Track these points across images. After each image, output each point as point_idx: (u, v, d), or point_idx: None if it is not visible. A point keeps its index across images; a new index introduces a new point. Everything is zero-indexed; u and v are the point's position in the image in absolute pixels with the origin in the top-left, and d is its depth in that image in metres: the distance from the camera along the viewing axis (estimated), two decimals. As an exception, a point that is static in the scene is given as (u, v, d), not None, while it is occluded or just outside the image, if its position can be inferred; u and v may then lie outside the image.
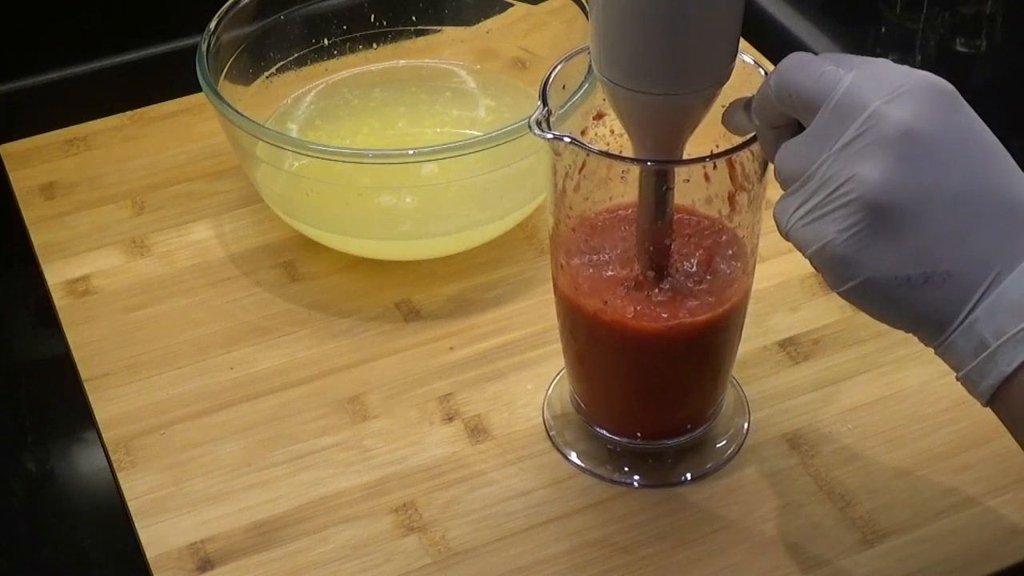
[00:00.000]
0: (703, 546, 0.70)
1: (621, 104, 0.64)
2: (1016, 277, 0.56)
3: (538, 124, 0.65)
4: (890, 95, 0.57)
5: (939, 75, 0.58)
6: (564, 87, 0.70)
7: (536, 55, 0.93)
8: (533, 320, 0.82)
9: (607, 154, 0.67)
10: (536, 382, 0.79)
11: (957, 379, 0.59)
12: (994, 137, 0.58)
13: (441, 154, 0.78)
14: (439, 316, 0.83)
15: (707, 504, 0.72)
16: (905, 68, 0.58)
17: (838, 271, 0.58)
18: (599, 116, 0.71)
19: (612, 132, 0.71)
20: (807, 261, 0.60)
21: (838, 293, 0.59)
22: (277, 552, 0.70)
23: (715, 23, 0.61)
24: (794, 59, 0.60)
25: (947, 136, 0.57)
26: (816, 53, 0.60)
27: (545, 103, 0.66)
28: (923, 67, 0.59)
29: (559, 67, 0.69)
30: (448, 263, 0.86)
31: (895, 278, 0.57)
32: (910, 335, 0.60)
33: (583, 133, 0.72)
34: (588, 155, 0.66)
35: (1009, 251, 0.56)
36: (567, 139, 0.64)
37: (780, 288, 0.84)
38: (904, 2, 1.06)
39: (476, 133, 0.85)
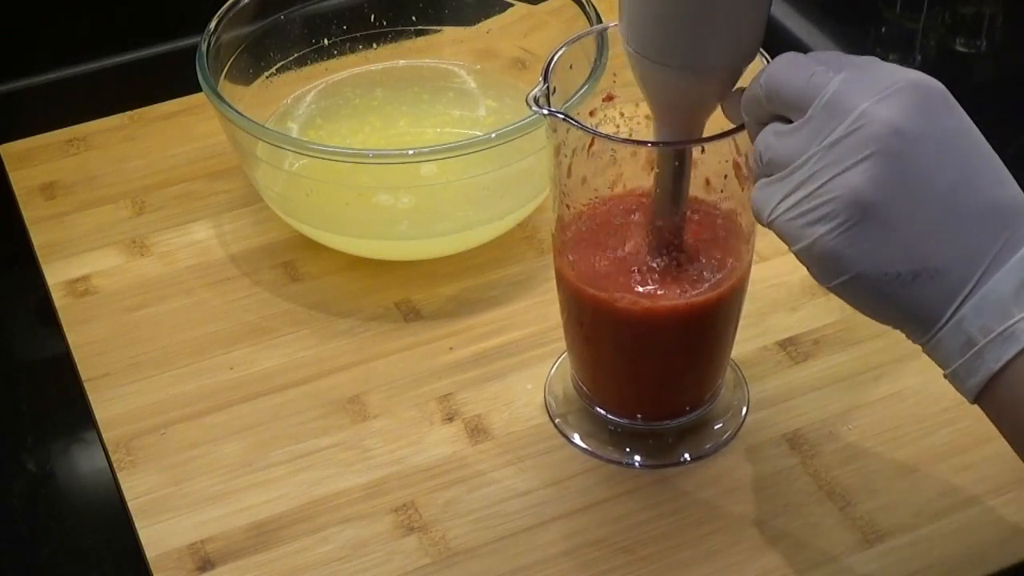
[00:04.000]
0: (703, 546, 0.70)
1: (646, 77, 0.64)
2: (1003, 275, 0.57)
3: (536, 100, 0.65)
4: (879, 95, 0.57)
5: (939, 75, 0.59)
6: (571, 67, 0.70)
7: (536, 55, 0.93)
8: (533, 320, 0.82)
9: (598, 133, 0.67)
10: (536, 382, 0.79)
11: (945, 376, 0.59)
12: (982, 137, 0.58)
13: (441, 154, 0.78)
14: (439, 316, 0.83)
15: (707, 504, 0.72)
16: (895, 67, 0.58)
17: (828, 267, 0.59)
18: (609, 98, 0.72)
19: (622, 115, 0.72)
20: (761, 223, 0.60)
21: (826, 288, 0.59)
22: (277, 552, 0.71)
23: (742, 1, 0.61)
24: (783, 60, 0.60)
25: (936, 135, 0.57)
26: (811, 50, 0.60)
27: (546, 80, 0.66)
28: (923, 67, 0.59)
29: (564, 48, 0.69)
30: (448, 263, 0.86)
31: (885, 275, 0.57)
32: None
33: (591, 114, 0.72)
34: (588, 137, 0.66)
35: (996, 249, 0.57)
36: (560, 116, 0.65)
37: (780, 288, 0.84)
38: (904, 2, 1.06)
39: (477, 133, 0.85)
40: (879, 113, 0.56)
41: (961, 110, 0.58)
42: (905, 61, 1.00)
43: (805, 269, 0.60)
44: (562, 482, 0.73)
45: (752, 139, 0.63)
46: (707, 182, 0.69)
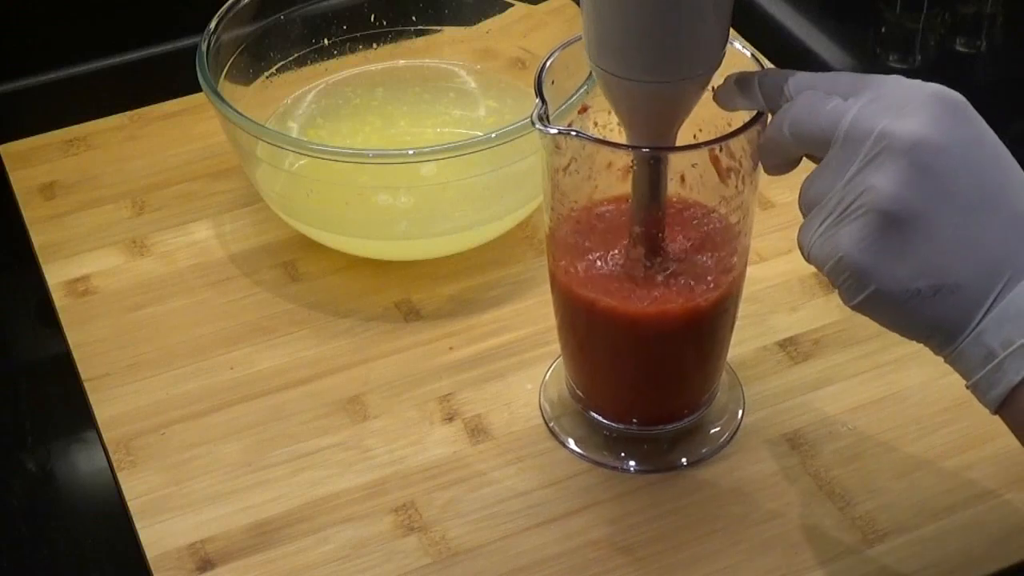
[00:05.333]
0: (703, 546, 0.70)
1: (614, 92, 0.64)
2: (1023, 287, 0.56)
3: (540, 119, 0.65)
4: (898, 111, 0.57)
5: (939, 75, 0.59)
6: (553, 82, 0.70)
7: (536, 55, 0.93)
8: (533, 320, 0.82)
9: (610, 143, 0.67)
10: (536, 382, 0.79)
11: (967, 387, 0.59)
12: (1003, 146, 0.59)
13: (441, 154, 0.78)
14: (439, 316, 0.83)
15: (707, 504, 0.72)
16: (915, 83, 0.59)
17: (852, 283, 0.59)
18: (583, 110, 0.73)
19: (595, 124, 0.72)
20: (807, 261, 0.61)
21: (851, 307, 0.60)
22: (277, 552, 0.71)
23: (707, 10, 0.61)
24: (803, 101, 0.61)
25: (956, 146, 0.57)
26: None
27: (543, 98, 0.66)
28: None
29: (552, 59, 0.69)
30: (448, 263, 0.86)
31: (906, 291, 0.58)
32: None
33: (569, 125, 0.72)
34: (583, 146, 0.66)
35: (1016, 261, 0.57)
36: (574, 133, 0.65)
37: (780, 288, 0.84)
38: (904, 2, 1.06)
39: (477, 133, 0.85)
40: (899, 128, 0.57)
41: (982, 120, 0.58)
42: (905, 61, 1.00)
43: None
44: (562, 482, 0.73)
45: (768, 171, 0.64)
46: (701, 185, 0.69)
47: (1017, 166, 0.58)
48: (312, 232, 0.85)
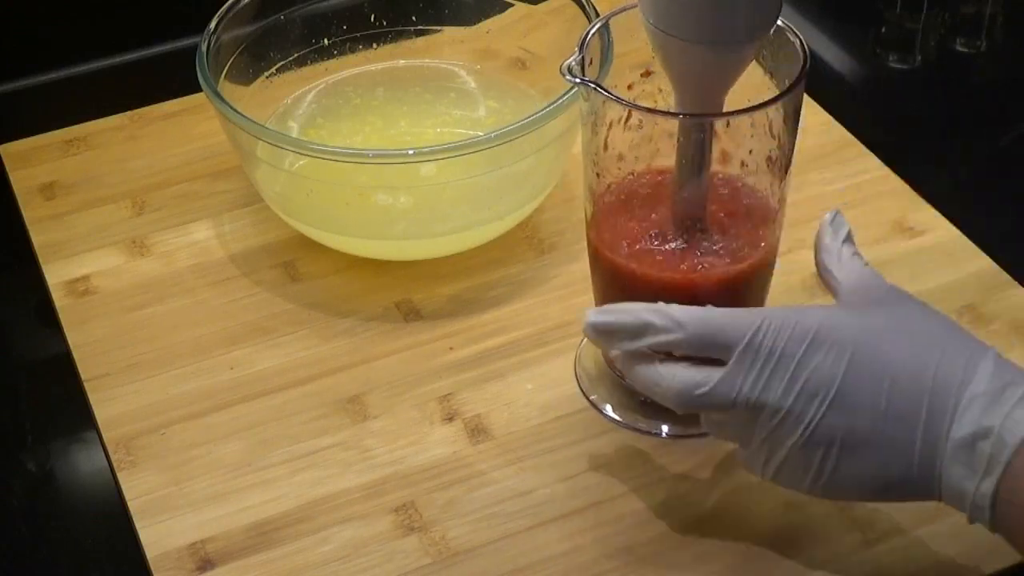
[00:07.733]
0: (703, 546, 0.70)
1: (668, 52, 0.65)
2: (949, 457, 0.60)
3: (569, 69, 0.66)
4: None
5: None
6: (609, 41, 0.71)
7: (536, 55, 0.93)
8: (533, 320, 0.82)
9: (629, 103, 0.68)
10: (536, 382, 0.79)
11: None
12: (878, 336, 0.62)
13: (441, 154, 0.78)
14: (439, 316, 0.83)
15: (707, 504, 0.72)
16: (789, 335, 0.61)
17: None
18: (647, 73, 0.73)
19: (660, 90, 0.73)
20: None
21: None
22: (277, 552, 0.71)
23: None
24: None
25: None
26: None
27: (582, 50, 0.67)
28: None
29: (603, 20, 0.71)
30: (448, 263, 0.86)
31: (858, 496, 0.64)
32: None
33: (629, 88, 0.73)
34: (632, 108, 0.67)
35: (935, 439, 0.60)
36: (592, 85, 0.66)
37: (780, 288, 0.83)
38: (904, 2, 1.06)
39: (478, 133, 0.85)
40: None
41: (864, 330, 0.62)
42: (905, 61, 0.99)
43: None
44: (562, 482, 0.73)
45: None
46: (734, 158, 0.71)
47: (933, 325, 0.62)
48: (312, 232, 0.85)
